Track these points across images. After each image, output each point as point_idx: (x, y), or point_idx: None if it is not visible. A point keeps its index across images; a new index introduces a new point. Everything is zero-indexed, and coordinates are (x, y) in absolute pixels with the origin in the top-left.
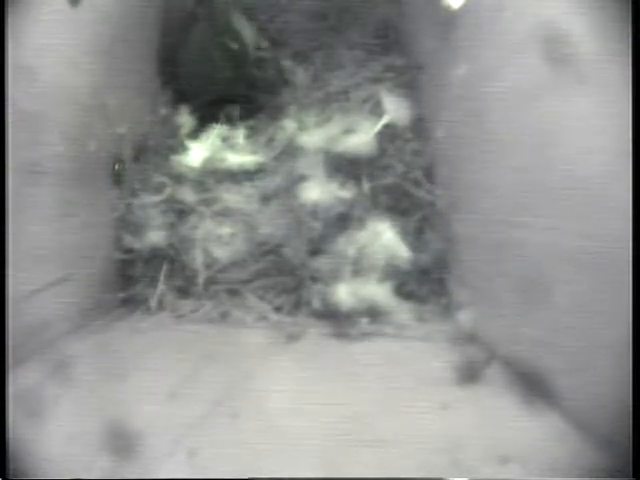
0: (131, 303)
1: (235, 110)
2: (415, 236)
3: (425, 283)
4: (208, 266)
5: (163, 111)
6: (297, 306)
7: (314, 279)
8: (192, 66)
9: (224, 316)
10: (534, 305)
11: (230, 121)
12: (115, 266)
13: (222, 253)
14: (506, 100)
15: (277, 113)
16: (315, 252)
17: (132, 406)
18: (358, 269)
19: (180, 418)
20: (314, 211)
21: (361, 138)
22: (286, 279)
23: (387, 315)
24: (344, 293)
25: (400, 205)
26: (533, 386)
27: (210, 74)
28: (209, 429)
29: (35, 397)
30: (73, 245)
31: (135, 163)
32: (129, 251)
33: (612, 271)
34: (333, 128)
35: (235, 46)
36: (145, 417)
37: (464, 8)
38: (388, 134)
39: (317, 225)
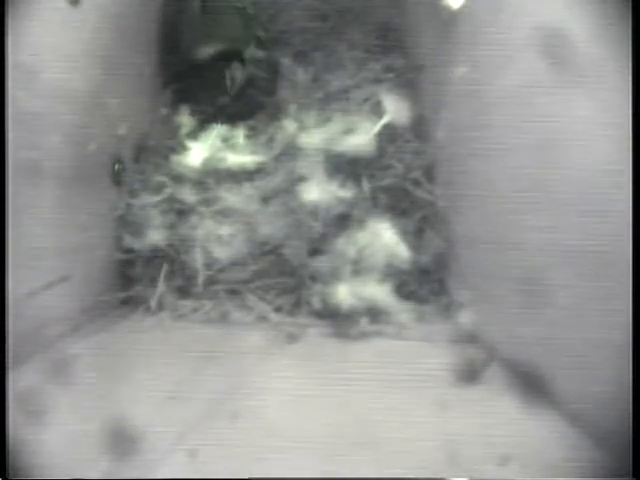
0: (131, 303)
1: (238, 70)
2: (415, 236)
3: (425, 283)
4: (208, 266)
5: (163, 111)
6: (297, 306)
7: (314, 279)
8: (195, 19)
9: (224, 316)
10: (534, 305)
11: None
12: (115, 266)
13: (222, 253)
14: (506, 100)
15: (277, 113)
16: (315, 252)
17: (132, 406)
18: (358, 269)
19: (180, 418)
20: (314, 211)
21: (361, 138)
22: (286, 279)
23: (387, 315)
24: (344, 293)
25: (400, 205)
26: (533, 386)
27: (213, 26)
28: (209, 429)
29: (35, 397)
30: (73, 245)
31: (135, 163)
32: (129, 251)
33: (612, 271)
34: (333, 128)
35: (240, 4)
36: (145, 417)
37: (464, 8)
38: (388, 134)
39: (317, 225)
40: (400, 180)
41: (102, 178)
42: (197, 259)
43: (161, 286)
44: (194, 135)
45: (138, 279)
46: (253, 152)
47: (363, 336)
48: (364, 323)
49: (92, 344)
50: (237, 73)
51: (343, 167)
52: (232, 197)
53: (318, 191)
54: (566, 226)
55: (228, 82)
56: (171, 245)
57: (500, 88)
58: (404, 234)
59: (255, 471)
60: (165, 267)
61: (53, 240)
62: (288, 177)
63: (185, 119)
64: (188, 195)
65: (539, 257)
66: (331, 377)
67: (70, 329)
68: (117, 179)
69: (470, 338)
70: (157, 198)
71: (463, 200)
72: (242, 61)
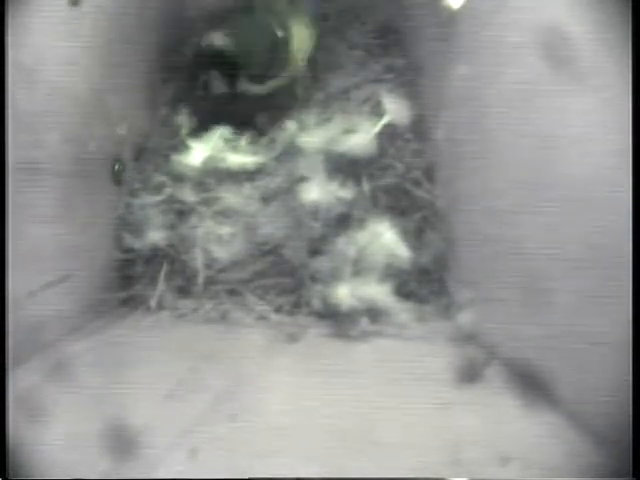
0: (131, 303)
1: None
2: (415, 236)
3: (425, 283)
4: (208, 266)
5: (163, 111)
6: (297, 306)
7: (314, 279)
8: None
9: (224, 316)
10: (534, 305)
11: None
12: (115, 266)
13: (222, 253)
14: (506, 100)
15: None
16: (315, 252)
17: (132, 406)
18: (358, 269)
19: (180, 418)
20: (314, 211)
21: (361, 138)
22: (286, 279)
23: (387, 315)
24: (344, 293)
25: (400, 205)
26: (533, 386)
27: (245, 43)
28: (209, 429)
29: (35, 397)
30: (73, 245)
31: (135, 163)
32: (129, 251)
33: (612, 271)
34: (333, 128)
35: (281, 34)
36: (145, 417)
37: (464, 8)
38: (388, 134)
39: (317, 225)
40: (400, 180)
41: (102, 178)
42: (197, 259)
43: (161, 286)
44: (195, 135)
45: (138, 279)
46: (254, 152)
47: (363, 336)
48: (364, 323)
49: (92, 344)
50: (215, 83)
51: (343, 167)
52: (232, 197)
53: (318, 191)
54: (566, 226)
55: (200, 88)
56: (171, 245)
57: (500, 88)
58: (404, 234)
59: (255, 471)
60: (165, 267)
61: (53, 240)
62: (288, 177)
63: (185, 119)
64: (188, 195)
65: (539, 257)
66: (331, 377)
67: (70, 329)
68: (117, 179)
69: (470, 338)
70: (157, 198)
71: (463, 200)
72: (232, 75)
